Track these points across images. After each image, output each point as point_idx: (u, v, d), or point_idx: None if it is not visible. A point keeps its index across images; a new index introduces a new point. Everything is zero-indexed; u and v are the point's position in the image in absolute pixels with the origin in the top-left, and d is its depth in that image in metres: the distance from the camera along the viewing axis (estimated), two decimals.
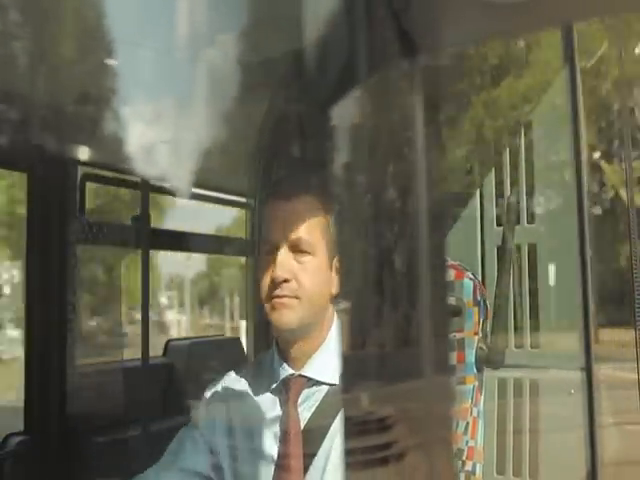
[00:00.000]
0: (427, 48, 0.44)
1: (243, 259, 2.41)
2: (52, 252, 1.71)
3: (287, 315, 1.07)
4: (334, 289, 1.10)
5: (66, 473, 1.70)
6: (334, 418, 1.05)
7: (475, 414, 1.35)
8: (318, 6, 0.48)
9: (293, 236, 1.08)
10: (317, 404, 1.09)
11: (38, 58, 1.42)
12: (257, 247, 1.14)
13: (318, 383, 1.10)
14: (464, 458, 1.33)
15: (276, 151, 1.68)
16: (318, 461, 1.05)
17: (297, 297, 1.07)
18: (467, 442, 1.34)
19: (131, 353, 2.02)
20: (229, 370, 1.23)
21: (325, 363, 1.10)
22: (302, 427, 1.09)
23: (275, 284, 1.07)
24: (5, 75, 1.44)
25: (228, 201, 2.47)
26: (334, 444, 1.03)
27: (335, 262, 1.09)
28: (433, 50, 0.44)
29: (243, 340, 2.49)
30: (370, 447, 0.42)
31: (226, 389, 1.21)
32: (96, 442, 1.80)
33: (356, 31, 0.44)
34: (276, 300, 1.07)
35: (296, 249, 1.08)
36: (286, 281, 1.07)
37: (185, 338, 2.51)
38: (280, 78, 1.49)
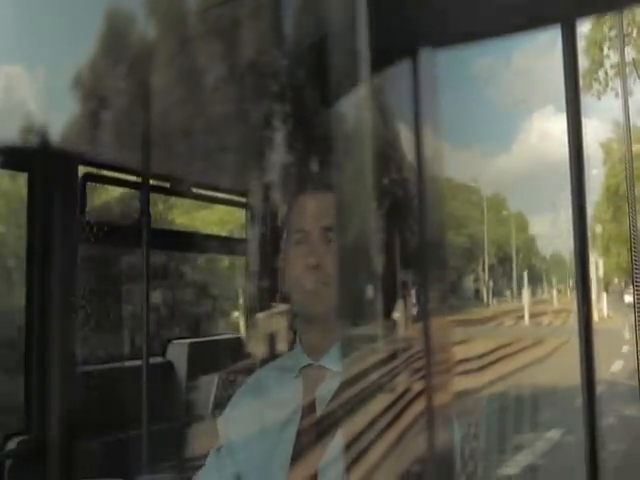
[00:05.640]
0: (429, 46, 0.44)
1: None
2: (53, 251, 1.71)
3: (317, 301, 1.11)
4: None
5: (66, 473, 1.70)
6: (348, 408, 1.06)
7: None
8: (320, 5, 0.48)
9: (323, 225, 1.13)
10: (332, 394, 1.11)
11: None
12: (284, 239, 1.19)
13: (336, 374, 1.12)
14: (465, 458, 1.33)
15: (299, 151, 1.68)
16: (332, 452, 1.05)
17: (326, 283, 1.10)
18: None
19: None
20: (229, 369, 1.24)
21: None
22: (317, 417, 1.11)
23: (307, 270, 1.11)
24: None
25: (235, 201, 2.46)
26: (347, 434, 1.04)
27: None
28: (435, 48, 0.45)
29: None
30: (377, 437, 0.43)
31: (251, 386, 1.24)
32: (96, 442, 1.80)
33: (358, 29, 0.45)
34: (308, 286, 1.11)
35: (325, 238, 1.13)
36: (317, 267, 1.10)
37: (185, 338, 2.51)
38: (294, 76, 1.49)
